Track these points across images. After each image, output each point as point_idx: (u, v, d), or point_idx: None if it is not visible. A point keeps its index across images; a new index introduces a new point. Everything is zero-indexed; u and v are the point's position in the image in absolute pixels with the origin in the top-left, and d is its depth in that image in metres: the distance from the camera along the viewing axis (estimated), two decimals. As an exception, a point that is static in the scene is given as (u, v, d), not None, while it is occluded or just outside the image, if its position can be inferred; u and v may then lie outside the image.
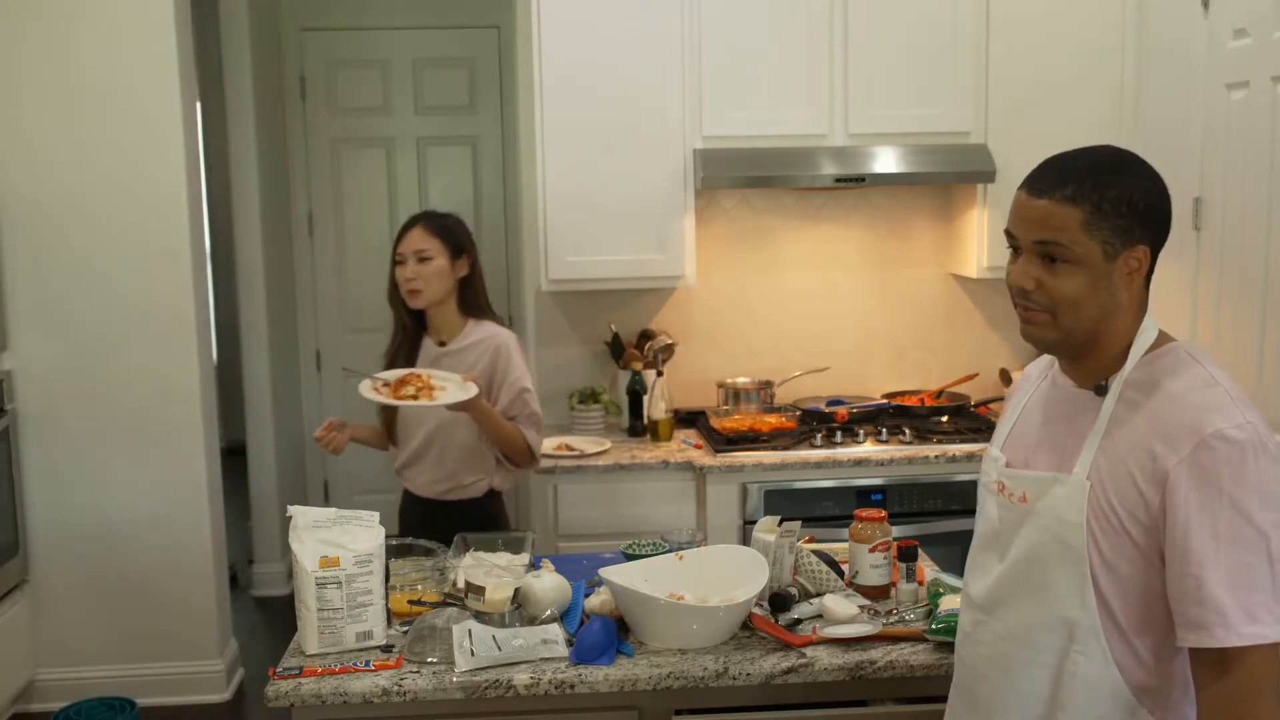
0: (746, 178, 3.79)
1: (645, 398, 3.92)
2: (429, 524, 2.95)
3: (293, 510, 2.29)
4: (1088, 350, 1.64)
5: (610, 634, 2.18)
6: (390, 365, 3.04)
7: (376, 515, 2.33)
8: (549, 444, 3.76)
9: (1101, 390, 1.63)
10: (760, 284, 4.22)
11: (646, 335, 4.12)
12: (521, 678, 2.11)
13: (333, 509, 2.36)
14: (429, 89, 5.57)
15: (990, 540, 1.75)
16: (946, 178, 3.84)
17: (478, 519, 3.00)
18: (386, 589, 2.34)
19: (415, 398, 2.81)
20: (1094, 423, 1.61)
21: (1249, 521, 1.46)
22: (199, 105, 4.29)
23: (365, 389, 2.85)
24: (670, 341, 4.08)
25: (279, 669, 2.18)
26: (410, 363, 3.04)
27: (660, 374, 3.90)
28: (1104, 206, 1.55)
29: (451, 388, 2.86)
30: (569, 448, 3.75)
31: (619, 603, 2.26)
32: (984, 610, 1.73)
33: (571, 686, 2.11)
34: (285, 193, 5.49)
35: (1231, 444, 1.48)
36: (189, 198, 3.97)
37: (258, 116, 4.99)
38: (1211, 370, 1.58)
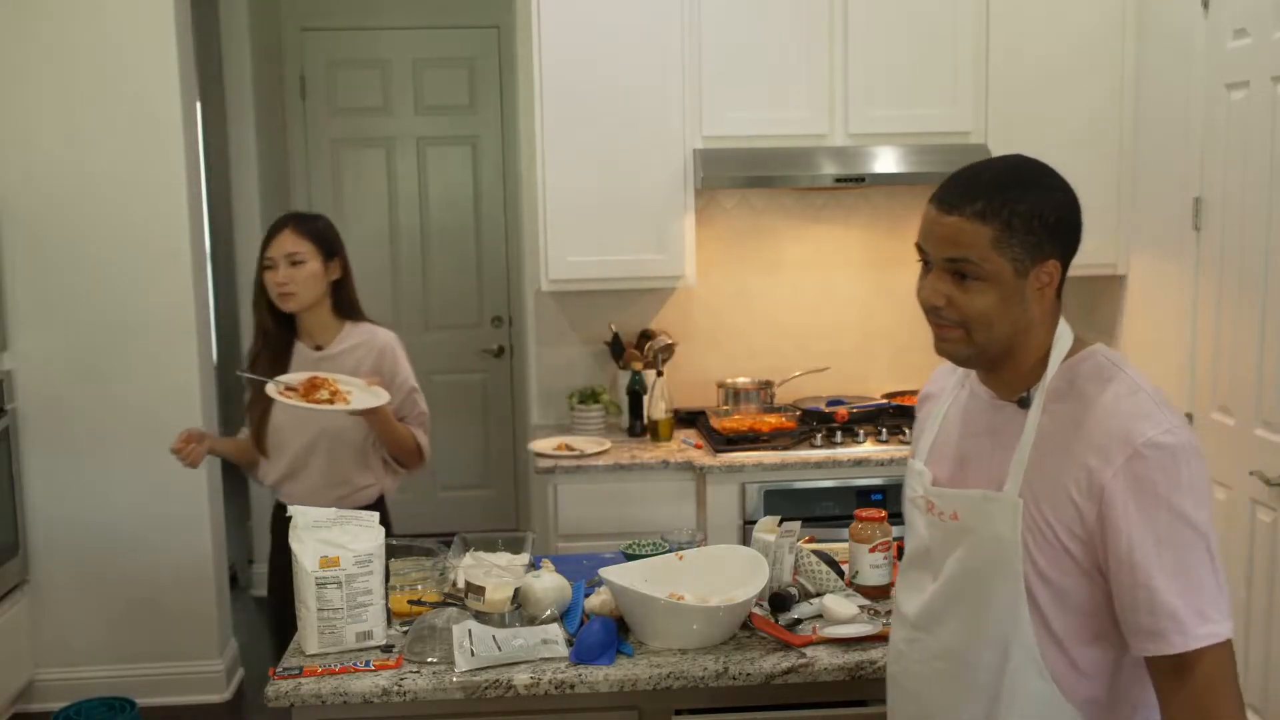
0: (746, 178, 3.79)
1: (645, 398, 3.92)
2: None
3: (293, 510, 2.30)
4: (1003, 363, 1.62)
5: (610, 634, 2.18)
6: (252, 372, 2.92)
7: (376, 515, 2.33)
8: (549, 444, 3.76)
9: (1024, 403, 1.62)
10: (760, 284, 4.22)
11: (646, 335, 4.12)
12: (521, 678, 2.11)
13: (333, 509, 2.37)
14: (429, 89, 5.57)
15: (922, 557, 1.73)
16: (946, 178, 3.84)
17: None
18: (386, 589, 2.34)
19: (330, 402, 2.73)
20: (1019, 437, 1.59)
21: (1188, 524, 1.47)
22: (199, 105, 4.28)
23: (273, 392, 2.75)
24: (670, 341, 4.08)
25: (279, 669, 2.18)
26: (279, 369, 2.90)
27: (660, 374, 3.90)
28: (1014, 223, 1.53)
29: (358, 392, 2.78)
30: (569, 448, 3.75)
31: (619, 603, 2.26)
32: (918, 628, 1.71)
33: (571, 686, 2.11)
34: (285, 193, 5.49)
35: (1164, 450, 1.48)
36: (189, 198, 3.98)
37: (258, 116, 5.00)
38: (1133, 375, 1.57)
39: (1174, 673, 1.48)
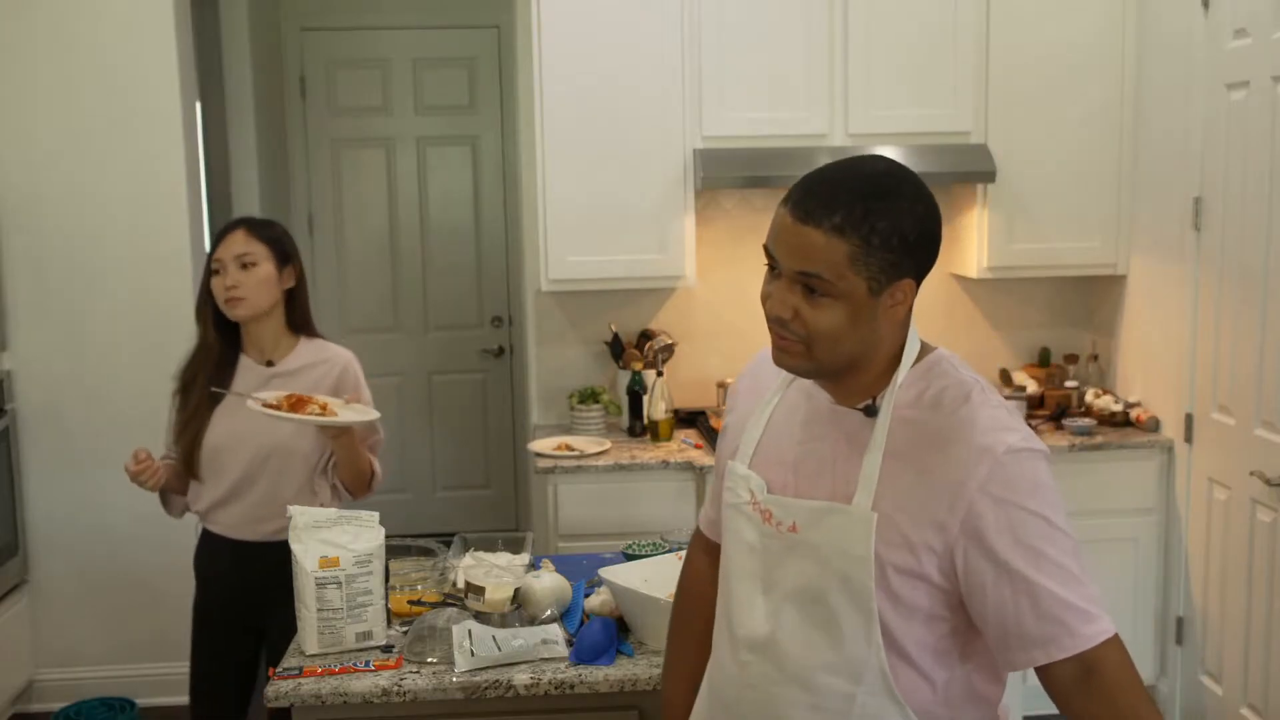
0: (746, 178, 3.79)
1: (645, 398, 3.92)
2: (249, 570, 2.66)
3: (293, 510, 2.29)
4: (847, 374, 1.53)
5: (610, 634, 2.18)
6: (191, 386, 2.70)
7: (376, 515, 2.33)
8: (549, 444, 3.76)
9: (872, 411, 1.52)
10: (760, 284, 4.20)
11: (646, 335, 4.12)
12: (521, 678, 2.11)
13: (333, 509, 2.37)
14: (429, 89, 5.57)
15: (753, 571, 1.59)
16: (946, 178, 3.84)
17: None
18: (386, 589, 2.34)
19: (321, 414, 2.54)
20: (868, 446, 1.49)
21: (1054, 526, 1.42)
22: (199, 105, 4.28)
23: (255, 405, 2.52)
24: (670, 341, 4.08)
25: (279, 669, 2.18)
26: (221, 384, 2.67)
27: (660, 374, 3.90)
28: (873, 240, 1.42)
29: (344, 409, 2.60)
30: (569, 448, 3.75)
31: (619, 603, 2.26)
32: (753, 650, 1.57)
33: (571, 686, 2.11)
34: (285, 193, 5.49)
35: (1022, 458, 1.43)
36: (189, 198, 3.97)
37: (258, 116, 4.99)
38: (983, 383, 1.52)
39: (1078, 678, 1.42)
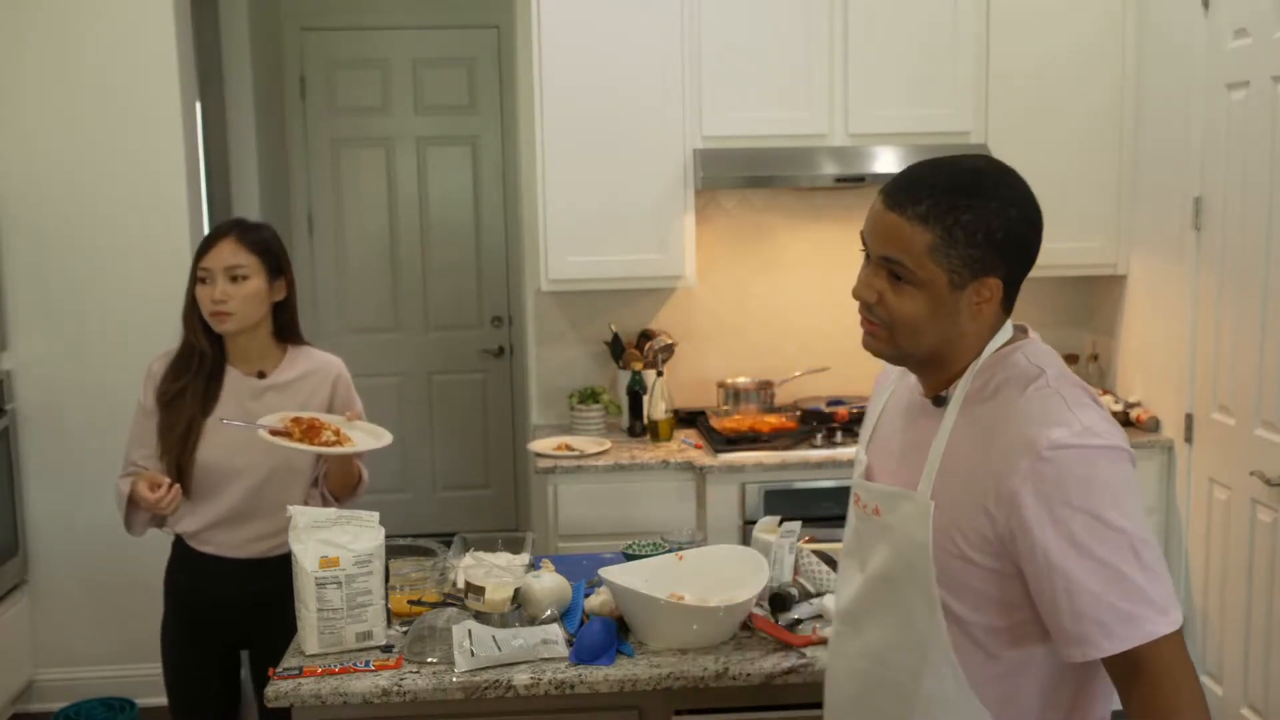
0: (746, 178, 3.79)
1: (645, 398, 3.92)
2: (247, 586, 2.58)
3: (292, 510, 2.29)
4: (934, 366, 1.58)
5: (610, 634, 2.18)
6: (178, 398, 2.54)
7: (376, 515, 2.33)
8: (549, 444, 3.76)
9: (940, 402, 1.57)
10: (760, 284, 4.21)
11: (646, 335, 4.12)
12: (521, 678, 2.11)
13: (333, 509, 2.37)
14: (429, 89, 5.57)
15: (853, 549, 1.69)
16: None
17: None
18: (386, 589, 2.34)
19: (337, 443, 2.46)
20: (935, 437, 1.55)
21: (1104, 524, 1.42)
22: (199, 105, 4.28)
23: (266, 435, 2.42)
24: (670, 341, 4.08)
25: (279, 669, 2.18)
26: (209, 400, 2.55)
27: (660, 374, 3.90)
28: (955, 233, 1.46)
29: (357, 432, 2.54)
30: (569, 448, 3.75)
31: (619, 603, 2.26)
32: (846, 623, 1.69)
33: (571, 687, 2.11)
34: (285, 193, 5.49)
35: (1070, 453, 1.42)
36: (189, 198, 3.97)
37: (258, 116, 4.99)
38: (1049, 374, 1.51)
39: (1124, 675, 1.45)
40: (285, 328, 2.64)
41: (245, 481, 2.55)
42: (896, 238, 1.50)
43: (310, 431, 2.45)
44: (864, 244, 1.57)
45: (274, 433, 2.43)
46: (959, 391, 1.55)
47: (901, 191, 1.51)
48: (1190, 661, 1.46)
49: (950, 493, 1.51)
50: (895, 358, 1.60)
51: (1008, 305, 1.56)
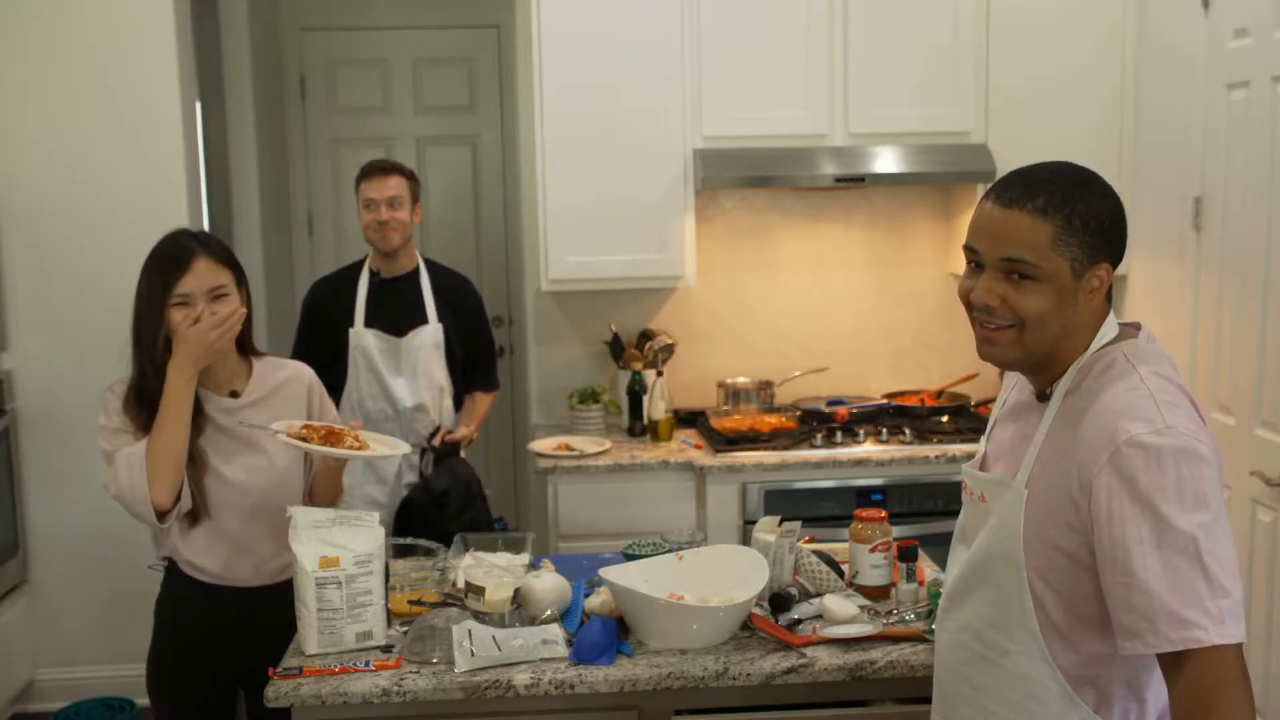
0: (746, 178, 3.79)
1: (645, 398, 3.92)
2: (253, 618, 2.44)
3: (293, 510, 2.29)
4: (1047, 364, 1.64)
5: (610, 634, 2.18)
6: (149, 425, 2.42)
7: (376, 515, 2.33)
8: (549, 444, 3.76)
9: (1044, 397, 1.66)
10: (760, 284, 4.22)
11: (646, 335, 4.12)
12: (521, 678, 2.11)
13: (332, 509, 2.36)
14: (429, 89, 5.57)
15: (962, 533, 1.79)
16: (946, 178, 3.84)
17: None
18: (386, 589, 2.34)
19: (359, 449, 2.41)
20: (1037, 430, 1.63)
21: (1172, 526, 1.44)
22: (199, 105, 4.28)
23: (285, 439, 2.34)
24: (670, 341, 4.08)
25: (279, 669, 2.18)
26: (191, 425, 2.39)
27: (660, 374, 3.90)
28: (1074, 222, 1.54)
29: (373, 441, 2.49)
30: (569, 448, 3.75)
31: (619, 603, 2.26)
32: (950, 600, 1.78)
33: (571, 686, 2.11)
34: (285, 193, 5.49)
35: (1148, 450, 1.47)
36: (189, 198, 3.98)
37: (258, 116, 4.99)
38: (1143, 371, 1.56)
39: (1171, 670, 1.48)
40: (246, 341, 2.48)
41: (241, 507, 2.43)
42: (1018, 235, 1.55)
43: (330, 437, 2.39)
44: (972, 254, 1.62)
45: (290, 435, 2.36)
46: (1061, 387, 1.62)
47: (1014, 190, 1.57)
48: (1243, 684, 1.45)
49: (1044, 482, 1.58)
50: (1016, 360, 1.64)
51: (1109, 295, 1.64)
